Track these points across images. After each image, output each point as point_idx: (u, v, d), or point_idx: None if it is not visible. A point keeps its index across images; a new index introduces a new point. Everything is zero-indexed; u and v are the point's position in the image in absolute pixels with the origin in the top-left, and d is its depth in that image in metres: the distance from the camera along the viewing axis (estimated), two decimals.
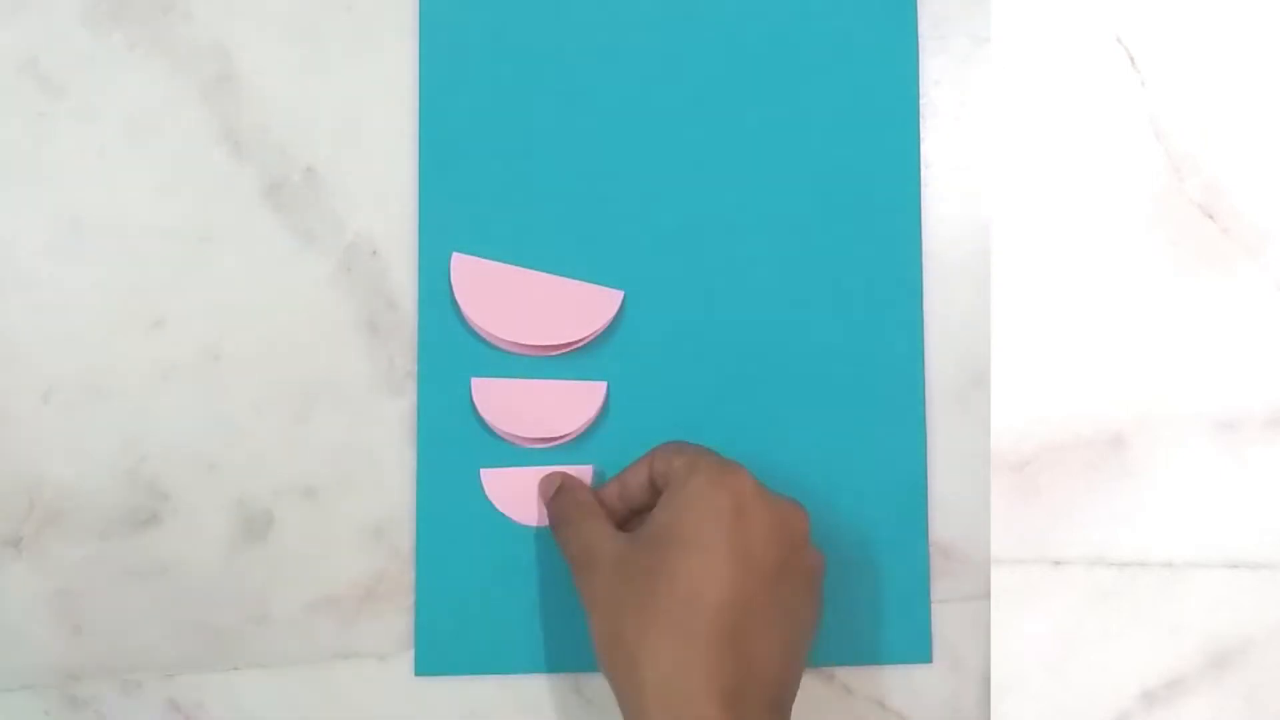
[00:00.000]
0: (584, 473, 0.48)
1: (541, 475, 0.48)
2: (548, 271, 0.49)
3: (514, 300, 0.48)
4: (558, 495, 0.46)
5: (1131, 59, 0.49)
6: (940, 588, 0.49)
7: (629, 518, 0.45)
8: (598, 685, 0.48)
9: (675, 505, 0.40)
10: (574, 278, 0.48)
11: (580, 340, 0.48)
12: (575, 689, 0.49)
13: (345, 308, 0.49)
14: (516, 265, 0.49)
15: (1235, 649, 0.48)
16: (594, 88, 0.49)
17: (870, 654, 0.48)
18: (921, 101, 0.50)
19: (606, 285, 0.49)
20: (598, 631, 0.40)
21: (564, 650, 0.48)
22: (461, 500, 0.48)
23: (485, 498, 0.48)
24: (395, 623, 0.48)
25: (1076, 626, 0.48)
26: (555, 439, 0.48)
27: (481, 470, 0.48)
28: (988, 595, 0.49)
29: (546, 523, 0.48)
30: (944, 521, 0.49)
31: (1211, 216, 0.49)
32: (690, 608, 0.38)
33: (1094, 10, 0.49)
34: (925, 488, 0.49)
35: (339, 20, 0.49)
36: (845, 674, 0.49)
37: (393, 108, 0.49)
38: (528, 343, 0.48)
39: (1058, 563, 0.48)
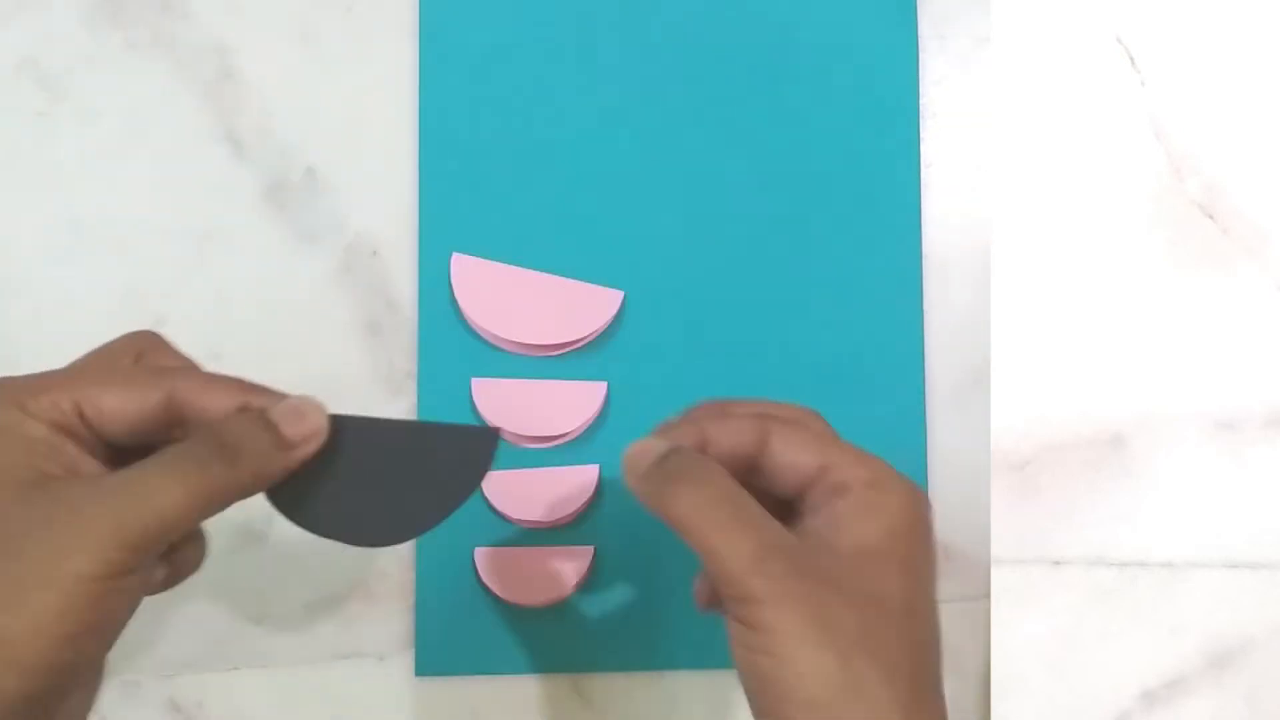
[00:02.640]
0: (587, 472, 0.48)
1: (539, 478, 0.48)
2: (548, 271, 0.49)
3: (514, 300, 0.48)
4: (675, 457, 0.33)
5: (1131, 59, 0.49)
6: (940, 588, 0.49)
7: None
8: (598, 685, 0.48)
9: (883, 522, 0.33)
10: (574, 278, 0.48)
11: (580, 340, 0.48)
12: (575, 689, 0.49)
13: (345, 308, 0.49)
14: (516, 265, 0.49)
15: (1235, 649, 0.48)
16: (594, 88, 0.49)
17: None
18: (921, 101, 0.50)
19: (606, 285, 0.49)
20: (795, 657, 0.30)
21: (564, 650, 0.48)
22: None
23: (485, 498, 0.48)
24: (395, 623, 0.48)
25: (1076, 626, 0.48)
26: (555, 439, 0.48)
27: None
28: (988, 595, 0.49)
29: (546, 523, 0.48)
30: (944, 521, 0.49)
31: (1211, 216, 0.49)
32: (927, 651, 0.33)
33: (1094, 10, 0.49)
34: (925, 488, 0.49)
35: (339, 20, 0.49)
36: None
37: (393, 108, 0.49)
38: (528, 342, 0.48)
39: (1058, 563, 0.48)
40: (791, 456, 0.34)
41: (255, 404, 0.33)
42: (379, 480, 0.34)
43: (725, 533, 0.31)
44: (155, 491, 0.30)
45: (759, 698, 0.31)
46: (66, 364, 0.34)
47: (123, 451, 0.33)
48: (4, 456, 0.30)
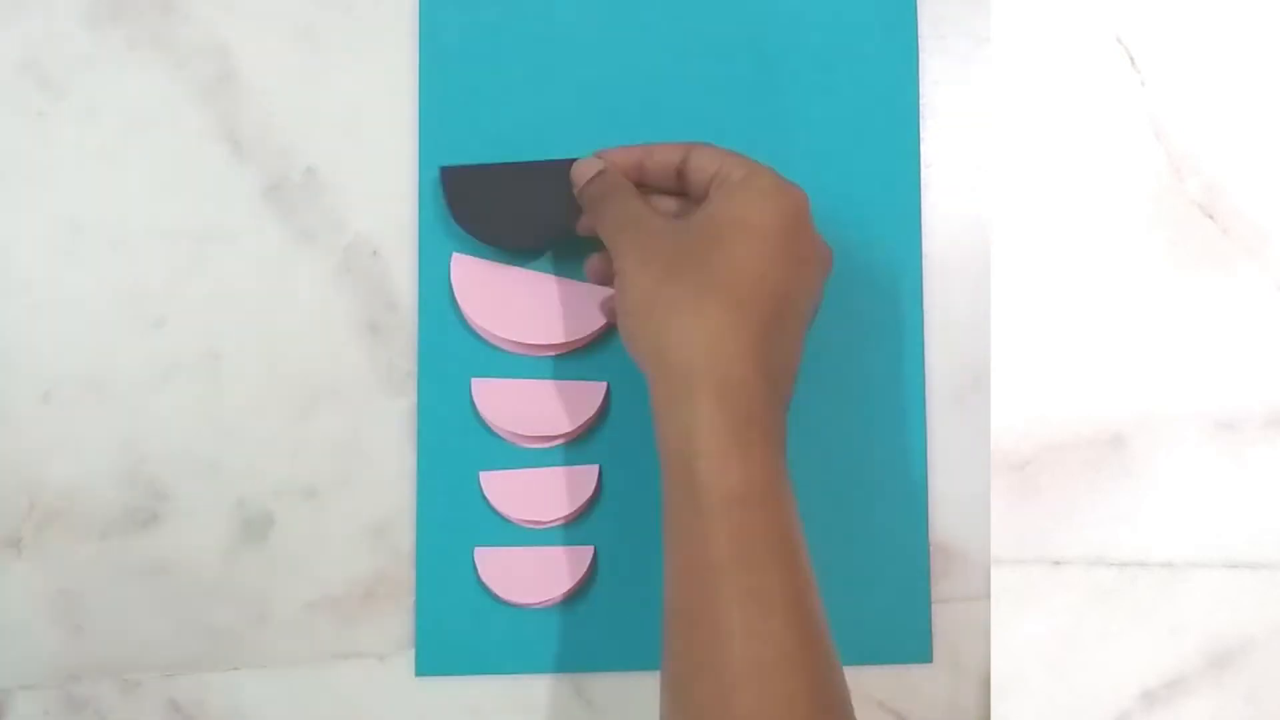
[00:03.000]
0: (587, 472, 0.48)
1: (539, 478, 0.48)
2: (548, 272, 0.49)
3: (514, 300, 0.48)
4: (597, 178, 0.44)
5: (1131, 59, 0.49)
6: (940, 588, 0.49)
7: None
8: (598, 685, 0.48)
9: (740, 197, 0.41)
10: (574, 278, 0.48)
11: (580, 340, 0.48)
12: (575, 689, 0.49)
13: (345, 308, 0.49)
14: (516, 266, 0.49)
15: (1235, 649, 0.48)
16: (594, 88, 0.49)
17: (870, 654, 0.48)
18: (921, 101, 0.50)
19: (607, 287, 0.49)
20: (636, 290, 0.40)
21: (564, 650, 0.48)
22: (461, 500, 0.48)
23: (485, 498, 0.48)
24: (395, 623, 0.48)
25: (1076, 626, 0.48)
26: (555, 439, 0.48)
27: (481, 473, 0.48)
28: (988, 595, 0.49)
29: (546, 523, 0.48)
30: (944, 521, 0.49)
31: (1211, 216, 0.49)
32: (746, 283, 0.39)
33: (1094, 10, 0.49)
34: (925, 488, 0.49)
35: (339, 20, 0.49)
36: (845, 673, 0.49)
37: (393, 108, 0.49)
38: (528, 342, 0.48)
39: (1058, 563, 0.48)
40: (701, 163, 0.43)
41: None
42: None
43: (613, 226, 0.43)
44: None
45: (617, 322, 0.42)
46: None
47: None
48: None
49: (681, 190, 0.44)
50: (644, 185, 0.45)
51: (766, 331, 0.39)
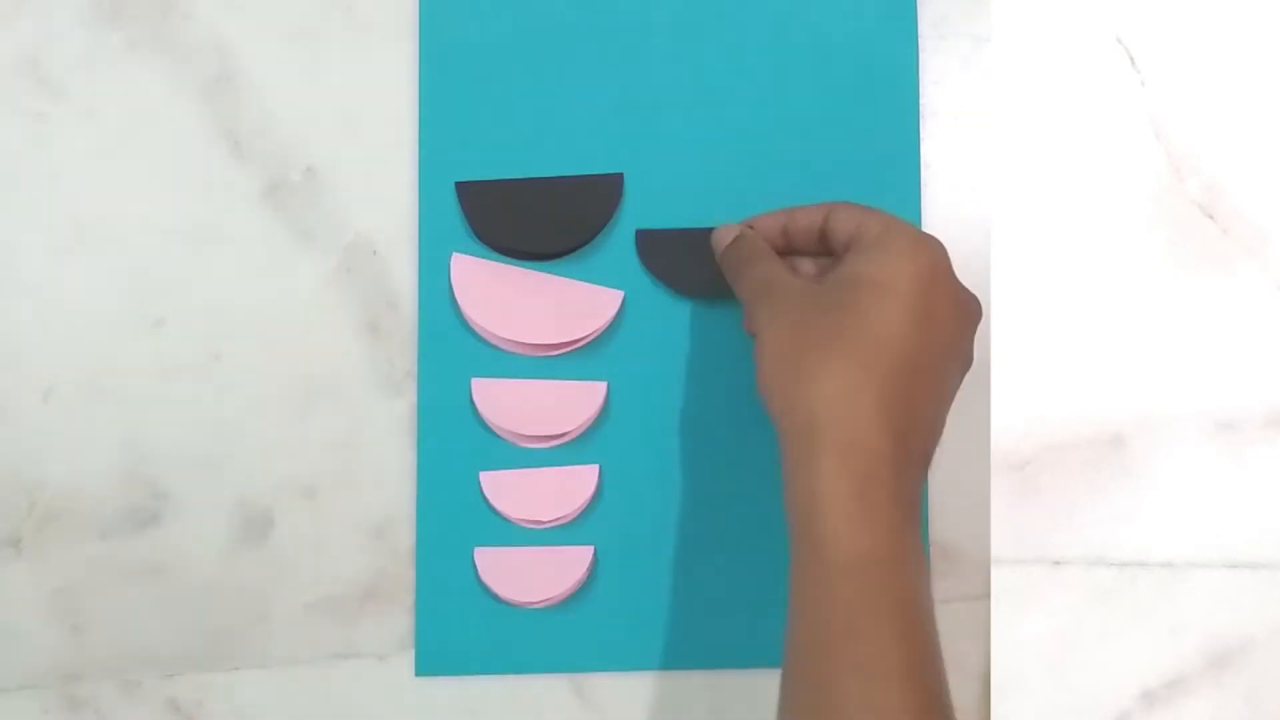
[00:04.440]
0: (587, 472, 0.48)
1: (539, 478, 0.48)
2: (548, 272, 0.49)
3: (514, 300, 0.48)
4: (737, 242, 0.45)
5: (1131, 59, 0.49)
6: (940, 588, 0.49)
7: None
8: (598, 685, 0.48)
9: (874, 256, 0.40)
10: (574, 278, 0.48)
11: (580, 340, 0.48)
12: (575, 689, 0.49)
13: (345, 308, 0.49)
14: (516, 266, 0.49)
15: (1235, 649, 0.48)
16: (594, 88, 0.49)
17: None
18: (921, 101, 0.50)
19: (607, 288, 0.49)
20: (769, 350, 0.40)
21: (564, 650, 0.48)
22: (461, 500, 0.48)
23: (485, 498, 0.48)
24: (395, 623, 0.48)
25: (1076, 626, 0.48)
26: (555, 439, 0.48)
27: (481, 473, 0.48)
28: (988, 595, 0.49)
29: (546, 523, 0.48)
30: (944, 521, 0.49)
31: (1211, 216, 0.49)
32: (875, 344, 0.38)
33: (1094, 10, 0.49)
34: (925, 488, 0.49)
35: (339, 20, 0.49)
36: None
37: (393, 108, 0.49)
38: (528, 342, 0.48)
39: (1058, 563, 0.48)
40: (841, 223, 0.42)
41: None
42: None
43: (754, 282, 0.43)
44: None
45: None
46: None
47: None
48: None
49: (826, 251, 0.44)
50: (791, 250, 0.45)
51: (897, 391, 0.38)
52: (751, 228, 0.45)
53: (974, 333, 0.41)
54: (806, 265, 0.45)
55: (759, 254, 0.44)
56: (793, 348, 0.39)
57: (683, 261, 0.48)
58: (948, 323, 0.40)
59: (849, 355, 0.38)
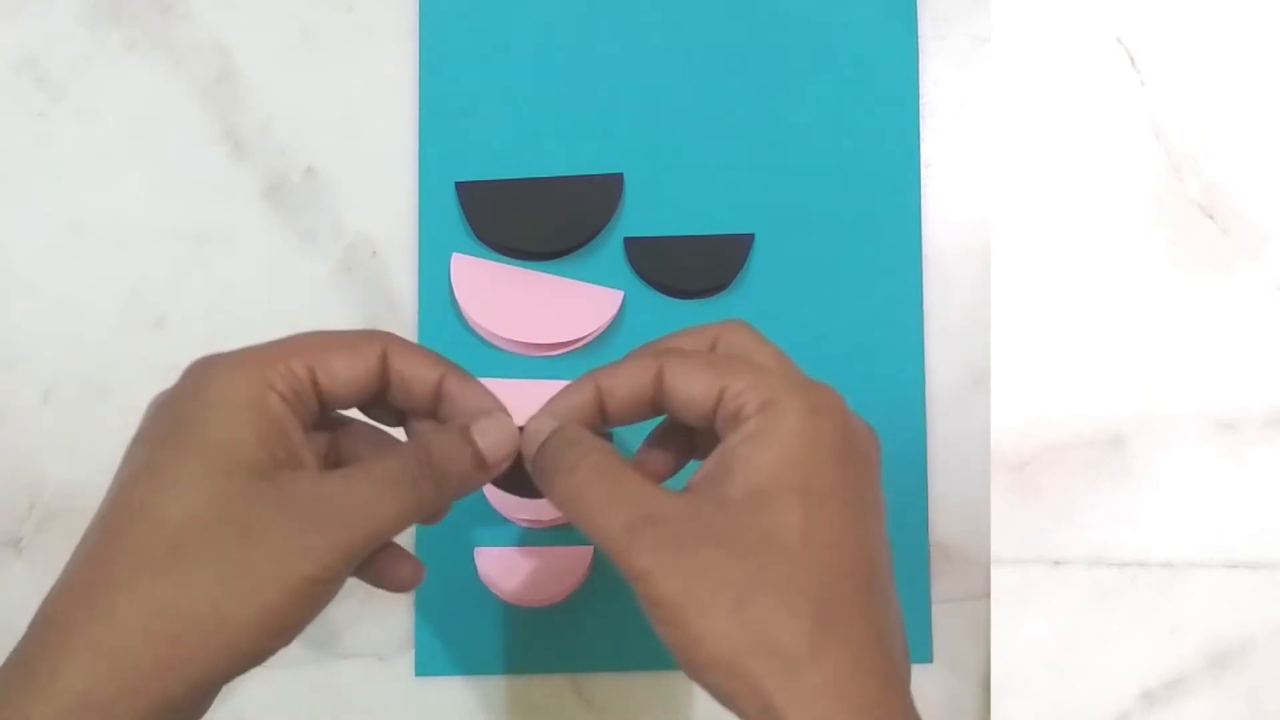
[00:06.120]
0: None
1: None
2: (548, 272, 0.49)
3: (514, 300, 0.48)
4: (553, 439, 0.33)
5: (1131, 59, 0.49)
6: (940, 588, 0.49)
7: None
8: (598, 685, 0.48)
9: (773, 449, 0.30)
10: (574, 278, 0.48)
11: (580, 340, 0.48)
12: (575, 689, 0.49)
13: (345, 308, 0.49)
14: (516, 266, 0.49)
15: (1235, 649, 0.48)
16: (594, 88, 0.49)
17: None
18: (921, 101, 0.50)
19: (606, 286, 0.49)
20: (707, 634, 0.29)
21: (564, 650, 0.48)
22: (461, 500, 0.48)
23: (485, 498, 0.48)
24: (395, 623, 0.48)
25: (1076, 626, 0.48)
26: None
27: None
28: (988, 595, 0.49)
29: (546, 523, 0.48)
30: (944, 521, 0.49)
31: (1211, 216, 0.49)
32: (845, 581, 0.30)
33: (1094, 10, 0.49)
34: (925, 488, 0.49)
35: (339, 20, 0.49)
36: None
37: (393, 108, 0.49)
38: (528, 342, 0.48)
39: (1058, 563, 0.48)
40: (686, 390, 0.32)
41: (453, 382, 0.34)
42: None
43: (599, 514, 0.31)
44: (374, 505, 0.31)
45: (678, 662, 0.31)
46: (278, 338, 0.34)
47: (324, 426, 0.34)
48: (241, 433, 0.30)
49: (655, 414, 0.34)
50: (609, 426, 0.34)
51: (880, 623, 0.30)
52: (558, 415, 0.33)
53: (879, 458, 0.33)
54: (656, 456, 0.35)
55: (599, 461, 0.32)
56: (739, 634, 0.29)
57: (674, 266, 0.48)
58: (874, 489, 0.32)
59: (828, 625, 0.29)
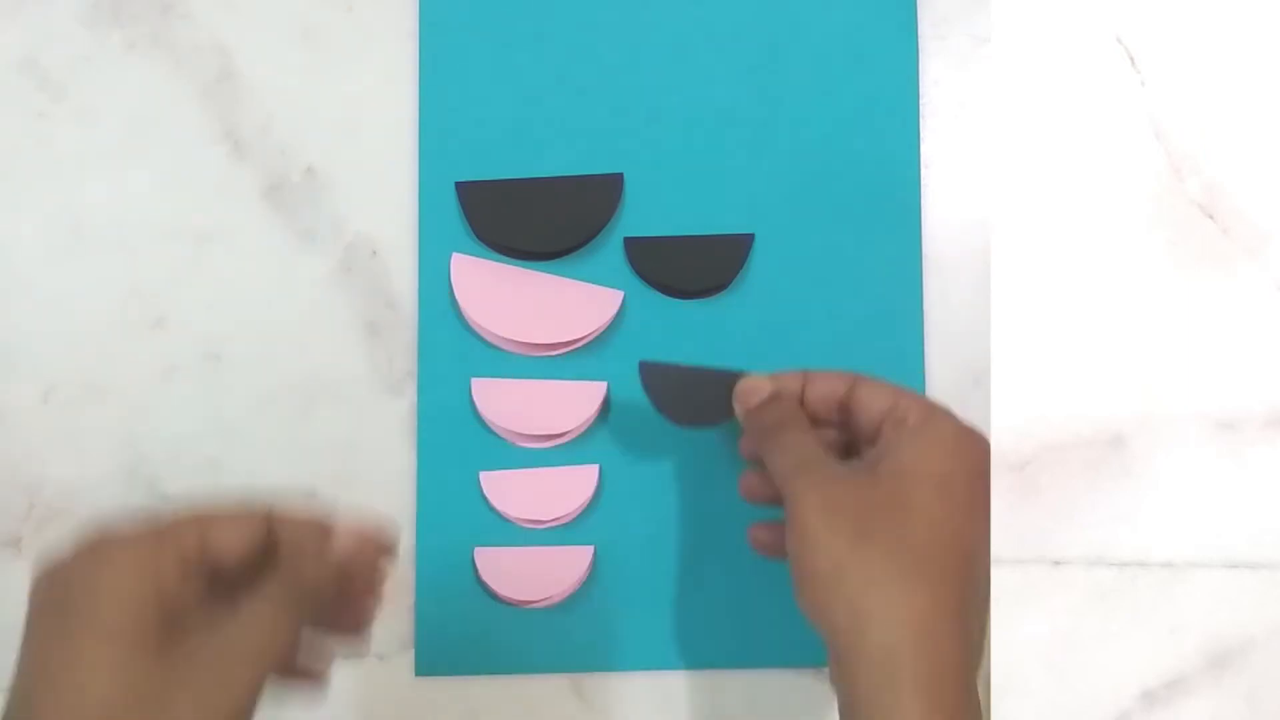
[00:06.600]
0: (587, 472, 0.48)
1: (539, 478, 0.48)
2: (548, 272, 0.49)
3: (514, 300, 0.48)
4: (771, 405, 0.41)
5: (1131, 59, 0.49)
6: None
7: None
8: (597, 685, 0.48)
9: (921, 448, 0.38)
10: (574, 278, 0.48)
11: (580, 340, 0.48)
12: (575, 689, 0.48)
13: (345, 308, 0.49)
14: (516, 266, 0.49)
15: (1235, 649, 0.48)
16: (594, 89, 0.49)
17: None
18: (921, 101, 0.50)
19: (606, 286, 0.49)
20: (825, 550, 0.36)
21: (563, 650, 0.48)
22: (461, 500, 0.48)
23: (485, 498, 0.48)
24: (395, 623, 0.48)
25: (1076, 626, 0.48)
26: (555, 438, 0.48)
27: (481, 473, 0.48)
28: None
29: (546, 523, 0.48)
30: None
31: (1211, 216, 0.49)
32: (945, 551, 0.36)
33: (1094, 10, 0.49)
34: None
35: (339, 20, 0.49)
36: None
37: (393, 108, 0.49)
38: (527, 342, 0.48)
39: (1058, 563, 0.48)
40: (871, 396, 0.40)
41: (329, 534, 0.38)
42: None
43: (781, 455, 0.40)
44: (272, 637, 0.34)
45: (793, 578, 0.37)
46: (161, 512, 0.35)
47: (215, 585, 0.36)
48: (138, 607, 0.33)
49: (843, 422, 0.42)
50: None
51: (967, 600, 0.36)
52: (777, 386, 0.42)
53: None
54: (829, 435, 0.42)
55: (798, 424, 0.41)
56: (855, 554, 0.36)
57: (674, 266, 0.48)
58: (987, 512, 0.39)
59: (923, 566, 0.36)
